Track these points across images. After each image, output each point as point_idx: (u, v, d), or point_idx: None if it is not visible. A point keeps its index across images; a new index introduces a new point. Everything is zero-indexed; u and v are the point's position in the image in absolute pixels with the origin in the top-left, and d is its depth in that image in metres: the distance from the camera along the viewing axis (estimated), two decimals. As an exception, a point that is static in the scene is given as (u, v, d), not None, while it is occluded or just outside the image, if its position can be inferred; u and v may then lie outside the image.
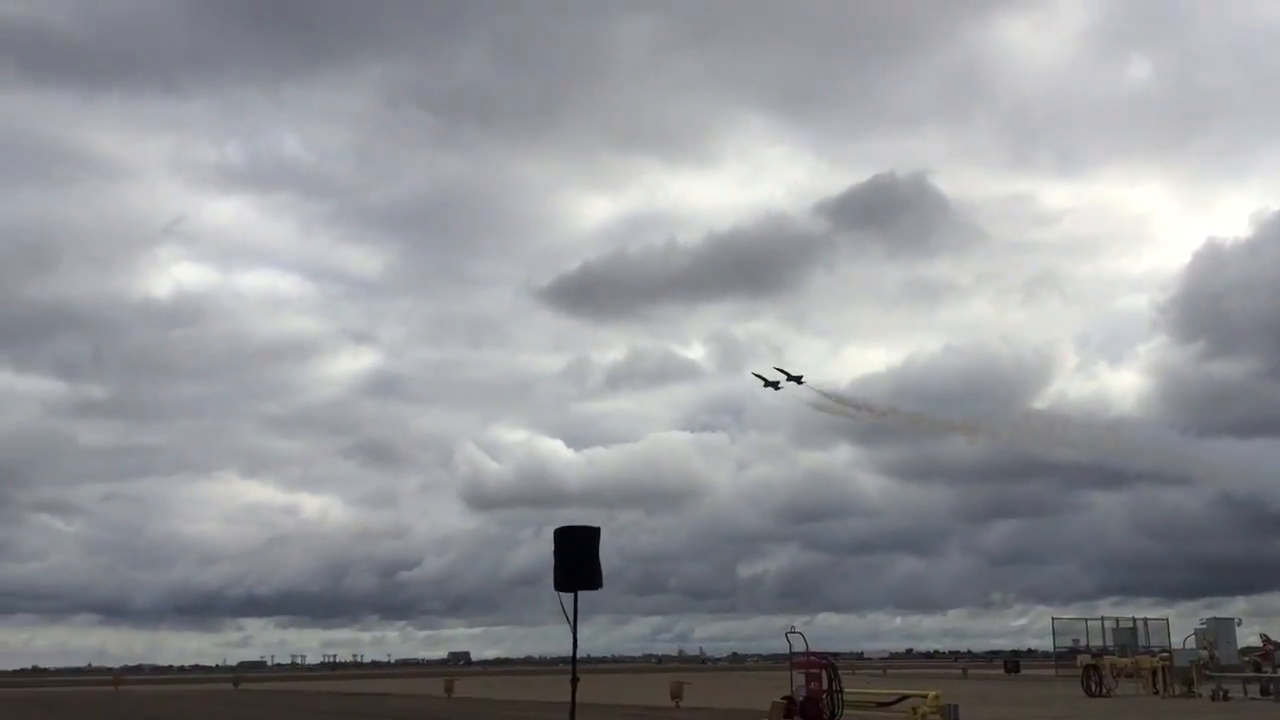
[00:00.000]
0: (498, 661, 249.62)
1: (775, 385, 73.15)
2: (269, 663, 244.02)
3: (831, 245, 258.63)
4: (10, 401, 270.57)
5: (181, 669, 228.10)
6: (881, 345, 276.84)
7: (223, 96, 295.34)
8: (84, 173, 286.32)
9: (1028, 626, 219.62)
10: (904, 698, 38.06)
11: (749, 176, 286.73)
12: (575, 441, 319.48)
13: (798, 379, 73.50)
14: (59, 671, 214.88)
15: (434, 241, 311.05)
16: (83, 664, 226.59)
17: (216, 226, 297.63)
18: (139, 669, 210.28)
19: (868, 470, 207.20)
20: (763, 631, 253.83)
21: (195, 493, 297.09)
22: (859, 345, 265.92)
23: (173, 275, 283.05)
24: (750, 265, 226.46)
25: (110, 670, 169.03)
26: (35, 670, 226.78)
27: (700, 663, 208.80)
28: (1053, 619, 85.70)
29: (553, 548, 15.42)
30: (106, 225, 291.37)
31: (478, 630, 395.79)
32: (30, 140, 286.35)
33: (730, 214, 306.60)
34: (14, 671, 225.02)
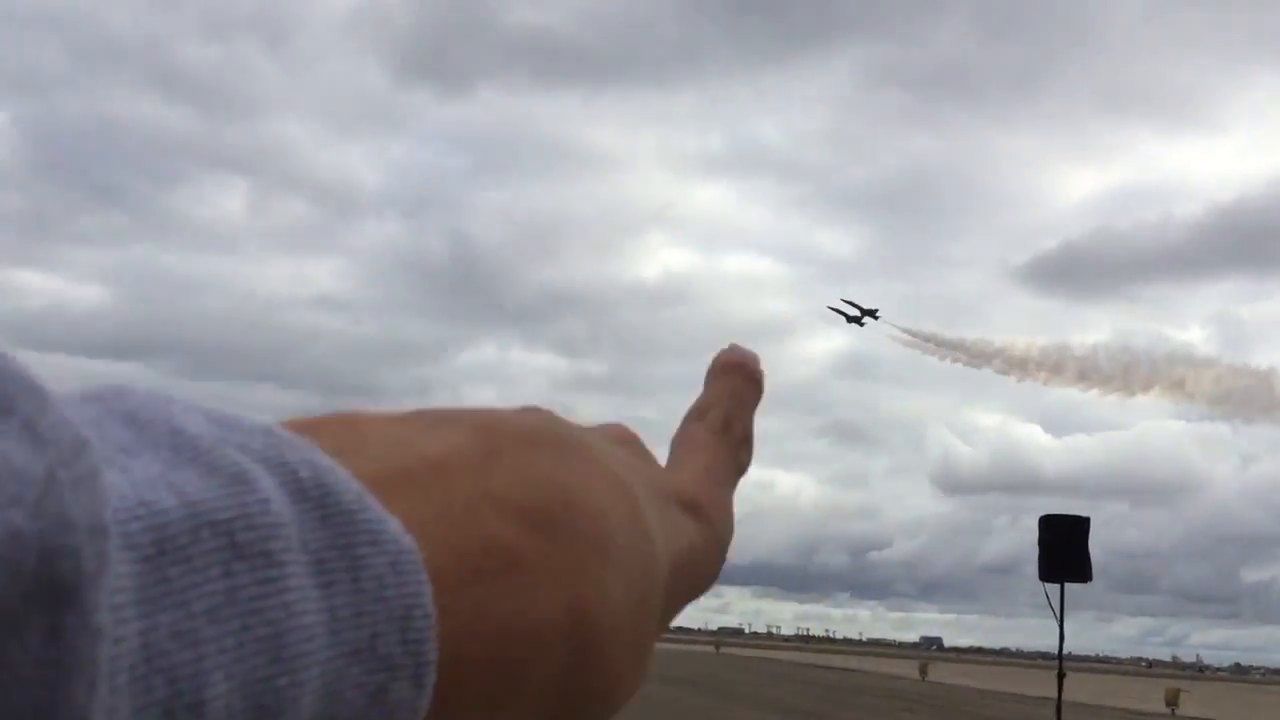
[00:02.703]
0: (971, 650, 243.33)
1: (859, 321, 66.62)
2: (746, 630, 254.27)
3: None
4: (522, 375, 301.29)
5: (667, 629, 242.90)
6: None
7: (707, 88, 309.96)
8: (584, 167, 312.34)
9: None
10: None
11: (1260, 141, 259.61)
12: (1054, 427, 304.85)
13: (872, 313, 66.35)
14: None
15: (907, 221, 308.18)
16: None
17: (699, 212, 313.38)
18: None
19: None
20: (1271, 643, 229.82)
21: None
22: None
23: (661, 259, 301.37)
24: (1260, 239, 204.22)
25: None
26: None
27: (1198, 670, 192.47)
28: None
29: (1035, 537, 14.88)
30: (603, 214, 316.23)
31: (950, 616, 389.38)
32: (539, 139, 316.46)
33: (1237, 183, 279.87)
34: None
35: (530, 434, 0.42)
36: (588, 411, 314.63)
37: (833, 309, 68.97)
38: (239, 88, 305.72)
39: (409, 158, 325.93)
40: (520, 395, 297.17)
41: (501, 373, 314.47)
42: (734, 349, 0.63)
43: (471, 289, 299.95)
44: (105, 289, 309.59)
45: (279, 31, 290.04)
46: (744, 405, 0.61)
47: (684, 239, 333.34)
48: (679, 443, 0.58)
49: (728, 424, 0.59)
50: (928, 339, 67.54)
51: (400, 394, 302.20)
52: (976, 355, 65.14)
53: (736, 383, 0.61)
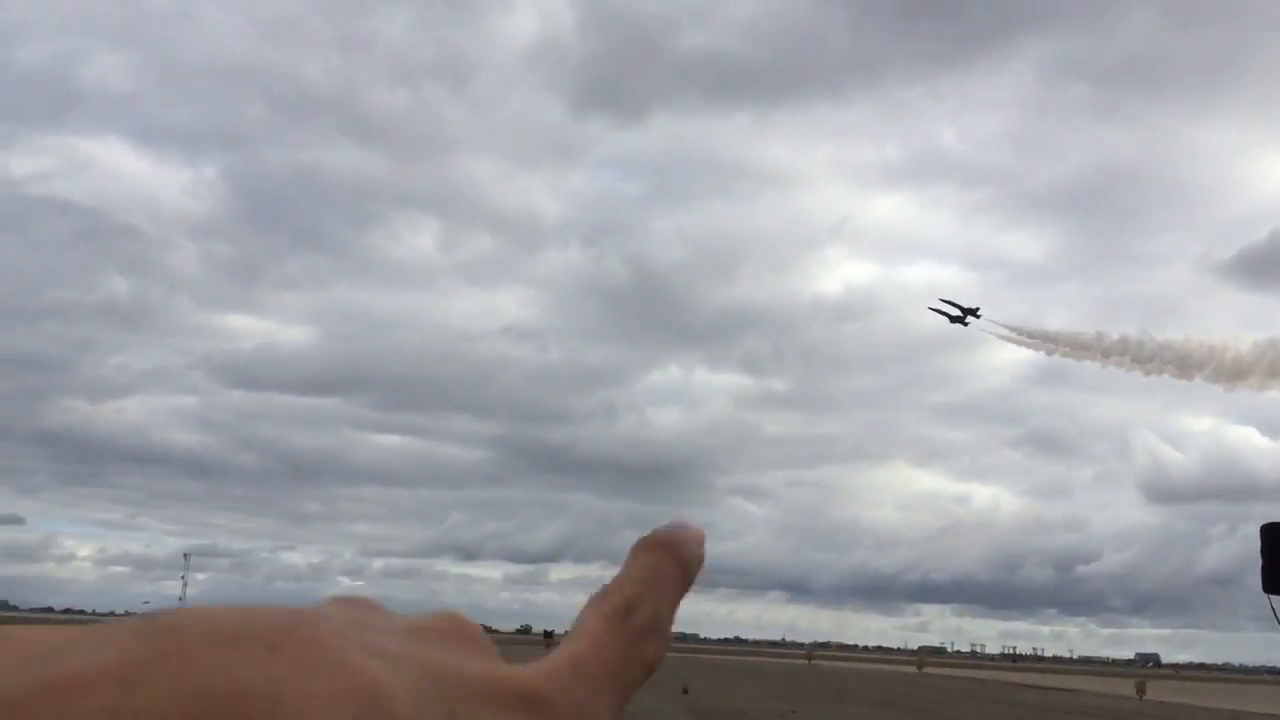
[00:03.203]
0: (1191, 666, 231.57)
1: (962, 321, 64.42)
2: (949, 649, 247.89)
3: None
4: (707, 395, 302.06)
5: (865, 648, 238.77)
6: None
7: (882, 97, 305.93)
8: (760, 185, 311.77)
9: None
10: None
11: None
12: (1272, 429, 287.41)
13: (973, 311, 64.23)
14: (757, 642, 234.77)
15: (1099, 220, 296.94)
16: (777, 637, 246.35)
17: (879, 223, 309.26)
18: (826, 645, 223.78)
19: None
20: None
21: (870, 480, 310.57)
22: None
23: (841, 273, 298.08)
24: None
25: (802, 645, 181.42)
26: (736, 640, 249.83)
27: None
28: None
29: (1259, 545, 14.17)
30: (781, 231, 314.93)
31: (1166, 631, 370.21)
32: (714, 160, 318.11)
33: None
34: (718, 640, 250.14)
35: (234, 630, 0.35)
36: (773, 429, 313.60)
37: (933, 310, 67.59)
38: (426, 130, 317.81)
39: (587, 186, 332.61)
40: (705, 415, 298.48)
41: (686, 394, 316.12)
42: (669, 527, 0.56)
43: (653, 312, 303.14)
44: (310, 329, 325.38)
45: (462, 73, 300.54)
46: (660, 589, 0.53)
47: (864, 251, 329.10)
48: (572, 628, 0.50)
49: (630, 609, 0.51)
50: (1033, 335, 66.36)
51: (587, 418, 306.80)
52: (1079, 348, 63.96)
53: (658, 563, 0.54)
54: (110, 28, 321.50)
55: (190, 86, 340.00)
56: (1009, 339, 66.64)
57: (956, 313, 65.54)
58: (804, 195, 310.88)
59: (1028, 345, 66.91)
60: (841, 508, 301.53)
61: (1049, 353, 65.62)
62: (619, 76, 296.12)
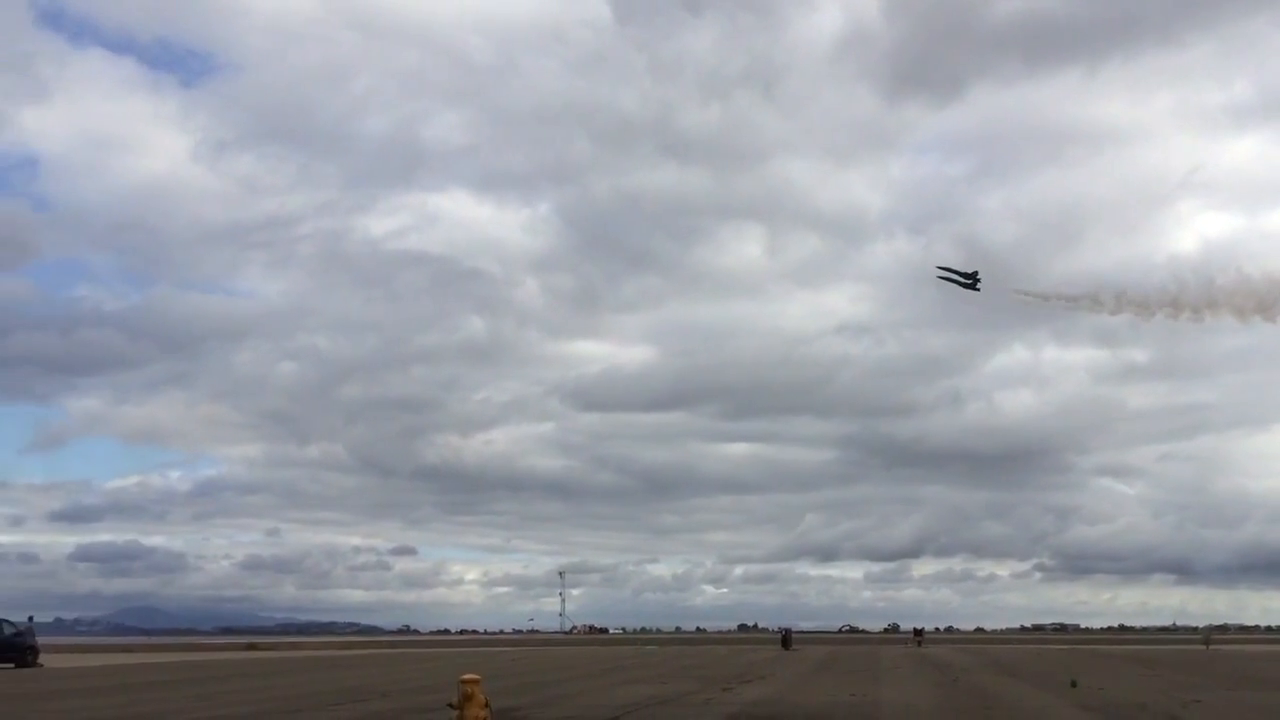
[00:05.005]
0: None
1: (972, 286, 61.79)
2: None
3: None
4: (1059, 373, 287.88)
5: (1270, 629, 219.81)
6: None
7: (1223, 33, 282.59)
8: (1095, 145, 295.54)
9: None
10: None
11: None
12: None
13: (973, 275, 62.32)
14: (1144, 629, 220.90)
15: None
16: (1166, 622, 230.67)
17: (1234, 169, 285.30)
18: (1224, 628, 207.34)
19: None
20: None
21: (1255, 447, 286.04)
22: None
23: (1196, 228, 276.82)
24: None
25: (1195, 629, 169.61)
26: (1121, 628, 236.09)
27: None
28: None
29: None
30: (1124, 191, 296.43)
31: None
32: (1041, 126, 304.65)
33: None
34: (1101, 629, 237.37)
35: None
36: (1138, 402, 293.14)
37: (942, 278, 64.45)
38: (742, 139, 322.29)
39: (908, 173, 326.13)
40: (1059, 394, 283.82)
41: (1035, 374, 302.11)
42: None
43: (991, 293, 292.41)
44: (650, 348, 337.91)
45: (771, 78, 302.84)
46: None
47: (1220, 201, 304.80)
48: None
49: None
50: (1039, 295, 66.79)
51: (933, 408, 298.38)
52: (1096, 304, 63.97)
53: None
54: (444, 87, 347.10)
55: (520, 131, 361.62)
56: (1021, 301, 67.07)
57: (961, 279, 63.74)
58: (1146, 150, 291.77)
59: (1043, 307, 67.05)
60: (1225, 479, 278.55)
61: (1069, 309, 66.40)
62: (931, 55, 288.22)
